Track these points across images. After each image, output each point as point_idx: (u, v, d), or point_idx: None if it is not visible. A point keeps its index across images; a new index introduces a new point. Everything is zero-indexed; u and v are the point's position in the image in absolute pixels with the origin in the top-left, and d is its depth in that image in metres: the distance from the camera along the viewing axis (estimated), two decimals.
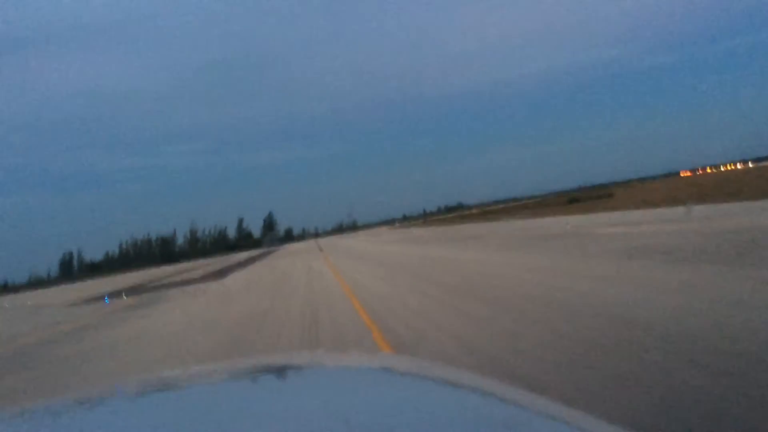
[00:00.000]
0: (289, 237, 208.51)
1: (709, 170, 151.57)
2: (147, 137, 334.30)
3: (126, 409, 1.33)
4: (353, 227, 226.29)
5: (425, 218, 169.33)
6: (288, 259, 40.36)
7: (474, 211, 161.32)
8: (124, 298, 26.76)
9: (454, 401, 1.20)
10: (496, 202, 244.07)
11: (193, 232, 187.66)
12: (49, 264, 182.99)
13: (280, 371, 1.67)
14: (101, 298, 28.87)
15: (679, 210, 21.73)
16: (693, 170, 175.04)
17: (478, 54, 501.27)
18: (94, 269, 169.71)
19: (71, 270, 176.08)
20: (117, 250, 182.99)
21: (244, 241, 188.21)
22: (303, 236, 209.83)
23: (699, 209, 20.96)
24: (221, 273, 35.83)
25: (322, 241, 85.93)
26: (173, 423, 1.11)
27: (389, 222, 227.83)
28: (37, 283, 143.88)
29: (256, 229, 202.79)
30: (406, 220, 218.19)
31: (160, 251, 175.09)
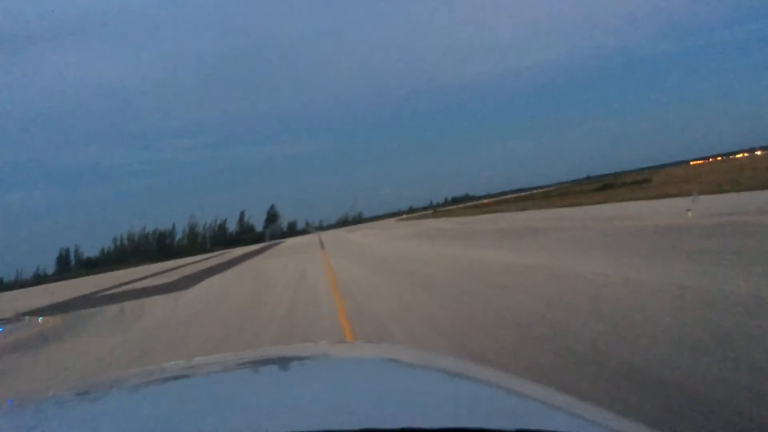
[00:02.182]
0: (292, 231, 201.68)
1: (719, 159, 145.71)
2: (150, 131, 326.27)
3: (132, 400, 1.32)
4: (358, 220, 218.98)
5: (434, 209, 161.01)
6: (281, 259, 32.89)
7: (485, 201, 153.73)
8: (39, 321, 19.37)
9: (458, 392, 1.19)
10: (503, 193, 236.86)
11: (192, 227, 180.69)
12: (48, 260, 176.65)
13: (284, 362, 1.66)
14: (15, 318, 21.23)
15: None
16: (704, 159, 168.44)
17: (484, 44, 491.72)
18: (90, 265, 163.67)
19: (68, 266, 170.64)
20: (113, 246, 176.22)
21: (245, 234, 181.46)
22: (307, 230, 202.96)
23: None
24: (196, 278, 28.45)
25: (326, 236, 78.22)
26: (179, 413, 1.10)
27: (396, 214, 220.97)
28: (19, 282, 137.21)
29: (259, 223, 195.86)
30: (413, 212, 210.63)
31: (157, 246, 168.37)
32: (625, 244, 12.55)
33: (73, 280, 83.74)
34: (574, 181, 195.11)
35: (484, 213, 58.25)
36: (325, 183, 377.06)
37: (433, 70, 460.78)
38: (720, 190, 22.93)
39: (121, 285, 35.00)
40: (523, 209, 46.94)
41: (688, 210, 14.88)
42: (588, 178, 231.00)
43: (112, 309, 18.91)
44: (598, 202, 35.16)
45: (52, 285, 76.32)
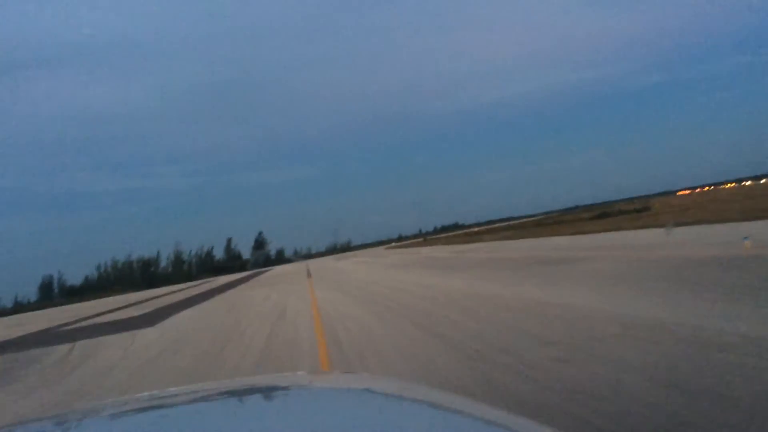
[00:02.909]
0: (280, 258, 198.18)
1: (706, 189, 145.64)
2: (137, 159, 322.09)
3: (106, 430, 1.30)
4: (347, 248, 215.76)
5: (424, 237, 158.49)
6: (263, 290, 30.27)
7: (476, 229, 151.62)
8: None
9: (436, 423, 1.18)
10: (492, 222, 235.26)
11: (177, 254, 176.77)
12: (31, 288, 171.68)
13: (261, 392, 1.64)
14: None
15: None
16: (692, 189, 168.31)
17: (473, 74, 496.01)
18: (72, 293, 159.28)
19: (51, 294, 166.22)
20: (96, 274, 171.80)
21: (232, 262, 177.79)
22: (291, 259, 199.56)
23: None
24: (167, 311, 25.75)
25: (314, 264, 75.39)
26: None
27: (385, 242, 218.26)
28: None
29: (246, 250, 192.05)
30: (402, 239, 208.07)
31: (141, 274, 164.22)
32: (682, 279, 10.22)
33: (49, 310, 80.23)
34: (564, 210, 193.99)
35: (476, 242, 55.90)
36: (313, 211, 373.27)
37: (422, 99, 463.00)
38: (756, 217, 20.64)
39: (88, 318, 32.08)
40: (520, 237, 44.68)
41: (746, 238, 12.54)
42: (577, 207, 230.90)
43: (61, 350, 16.28)
44: (605, 230, 33.01)
45: (26, 315, 72.77)
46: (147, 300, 45.82)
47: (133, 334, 17.30)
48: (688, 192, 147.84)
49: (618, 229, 32.33)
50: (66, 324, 29.55)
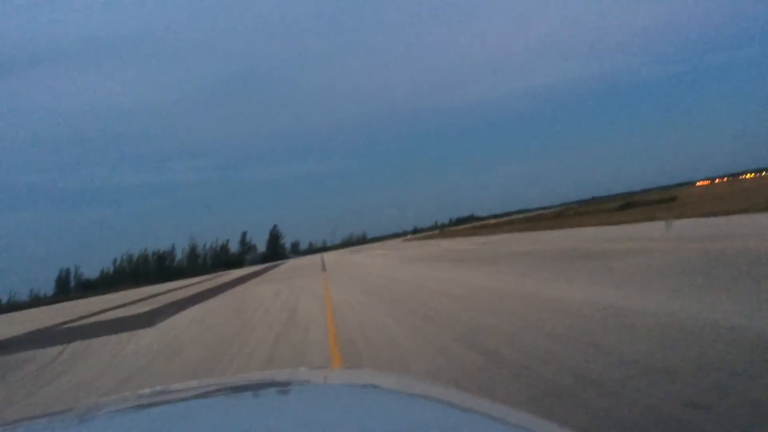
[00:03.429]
0: (295, 251, 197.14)
1: (725, 179, 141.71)
2: (154, 153, 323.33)
3: (109, 427, 1.28)
4: (363, 240, 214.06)
5: (441, 229, 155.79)
6: (274, 285, 28.52)
7: (493, 221, 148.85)
8: None
9: (438, 418, 1.16)
10: (507, 214, 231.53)
11: (192, 248, 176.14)
12: (49, 281, 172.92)
13: (262, 388, 1.62)
14: None
15: None
16: (710, 179, 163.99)
17: (488, 65, 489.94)
18: (88, 287, 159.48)
19: (67, 287, 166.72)
20: (112, 267, 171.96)
21: (245, 255, 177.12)
22: (311, 250, 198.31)
23: None
24: (172, 309, 24.08)
25: (330, 258, 73.56)
26: None
27: (400, 235, 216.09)
28: (11, 305, 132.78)
29: (261, 243, 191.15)
30: (418, 232, 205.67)
31: (156, 267, 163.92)
32: None
33: (62, 304, 79.54)
34: (581, 201, 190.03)
35: (497, 233, 53.63)
36: (328, 204, 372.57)
37: (437, 91, 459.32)
38: None
39: (92, 315, 30.52)
40: (543, 229, 42.44)
41: None
42: (593, 198, 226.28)
43: (51, 353, 14.65)
44: (637, 221, 30.74)
45: (38, 310, 71.89)
46: (156, 295, 44.35)
47: (131, 335, 15.60)
48: (707, 182, 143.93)
49: (651, 219, 30.09)
50: (67, 322, 28.02)
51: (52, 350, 15.29)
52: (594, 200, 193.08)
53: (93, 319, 26.60)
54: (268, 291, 24.18)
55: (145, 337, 14.74)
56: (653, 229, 22.60)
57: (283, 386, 1.61)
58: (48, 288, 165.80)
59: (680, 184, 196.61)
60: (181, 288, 52.07)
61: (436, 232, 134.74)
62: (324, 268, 38.80)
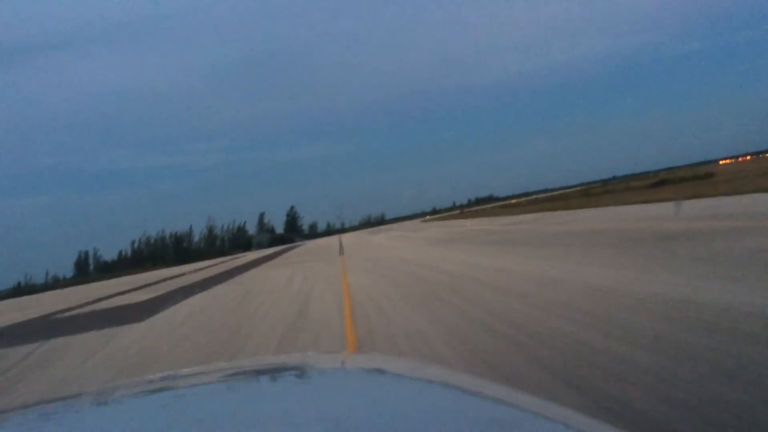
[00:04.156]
0: (313, 232, 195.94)
1: (748, 158, 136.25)
2: (173, 136, 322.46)
3: (114, 412, 1.29)
4: (381, 221, 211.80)
5: (461, 210, 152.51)
6: (287, 270, 26.20)
7: (514, 201, 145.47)
8: None
9: (447, 401, 1.16)
10: (527, 194, 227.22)
11: (210, 229, 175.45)
12: (69, 264, 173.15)
13: (271, 373, 1.62)
14: None
15: None
16: (732, 158, 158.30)
17: (506, 44, 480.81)
18: (106, 269, 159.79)
19: (86, 269, 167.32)
20: (130, 249, 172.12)
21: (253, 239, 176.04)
22: (328, 231, 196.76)
23: None
24: (175, 297, 21.89)
25: (348, 239, 71.23)
26: (165, 425, 1.08)
27: (419, 215, 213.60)
28: (28, 287, 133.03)
29: (279, 225, 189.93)
30: (436, 212, 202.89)
31: (174, 249, 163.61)
32: None
33: (73, 288, 78.55)
34: (603, 181, 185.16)
35: (522, 213, 50.80)
36: (346, 185, 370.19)
37: (455, 70, 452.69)
38: None
39: (91, 303, 28.45)
40: (574, 208, 39.59)
41: None
42: (614, 177, 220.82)
43: (19, 354, 12.44)
44: (687, 197, 27.81)
45: (44, 294, 70.96)
46: (165, 279, 42.42)
47: (115, 332, 13.34)
48: (729, 161, 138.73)
49: (702, 195, 27.20)
50: (68, 309, 26.04)
51: (15, 352, 13.01)
52: (615, 179, 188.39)
53: (88, 308, 24.51)
54: (282, 276, 21.88)
55: (130, 334, 12.44)
56: (715, 206, 19.80)
57: (292, 371, 1.60)
58: (68, 270, 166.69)
59: (700, 163, 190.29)
60: (194, 271, 50.19)
61: (456, 212, 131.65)
62: (341, 251, 36.44)
